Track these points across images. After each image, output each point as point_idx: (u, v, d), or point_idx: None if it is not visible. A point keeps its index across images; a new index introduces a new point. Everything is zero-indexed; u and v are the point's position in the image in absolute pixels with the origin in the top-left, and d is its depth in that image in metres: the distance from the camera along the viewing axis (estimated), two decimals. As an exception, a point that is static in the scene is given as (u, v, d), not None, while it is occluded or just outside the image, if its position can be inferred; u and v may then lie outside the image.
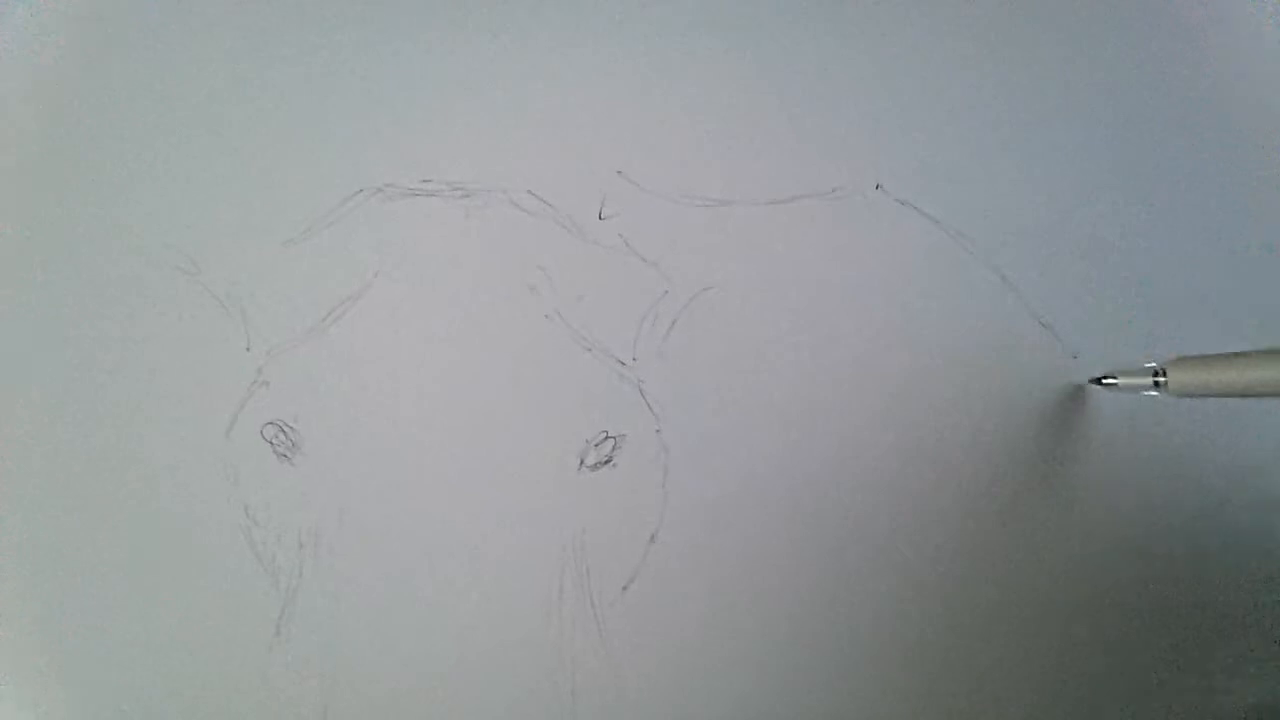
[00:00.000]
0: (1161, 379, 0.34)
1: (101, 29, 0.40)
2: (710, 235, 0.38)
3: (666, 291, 0.38)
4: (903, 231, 0.38)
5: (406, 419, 0.38)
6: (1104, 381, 0.37)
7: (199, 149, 0.39)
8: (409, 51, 0.39)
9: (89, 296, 0.38)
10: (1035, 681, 0.37)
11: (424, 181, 0.39)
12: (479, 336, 0.38)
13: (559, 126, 0.39)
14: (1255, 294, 0.38)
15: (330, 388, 0.38)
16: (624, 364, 0.38)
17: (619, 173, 0.39)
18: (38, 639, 0.38)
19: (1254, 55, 0.39)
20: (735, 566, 0.37)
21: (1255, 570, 0.38)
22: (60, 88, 0.39)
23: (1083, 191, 0.39)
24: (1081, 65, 0.39)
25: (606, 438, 0.37)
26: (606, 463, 0.37)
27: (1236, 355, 0.33)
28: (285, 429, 0.38)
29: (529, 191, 0.39)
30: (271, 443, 0.38)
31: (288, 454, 0.37)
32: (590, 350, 0.38)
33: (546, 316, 0.38)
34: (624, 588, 0.37)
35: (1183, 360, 0.34)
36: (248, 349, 0.38)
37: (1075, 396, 0.38)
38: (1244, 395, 0.32)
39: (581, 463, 0.37)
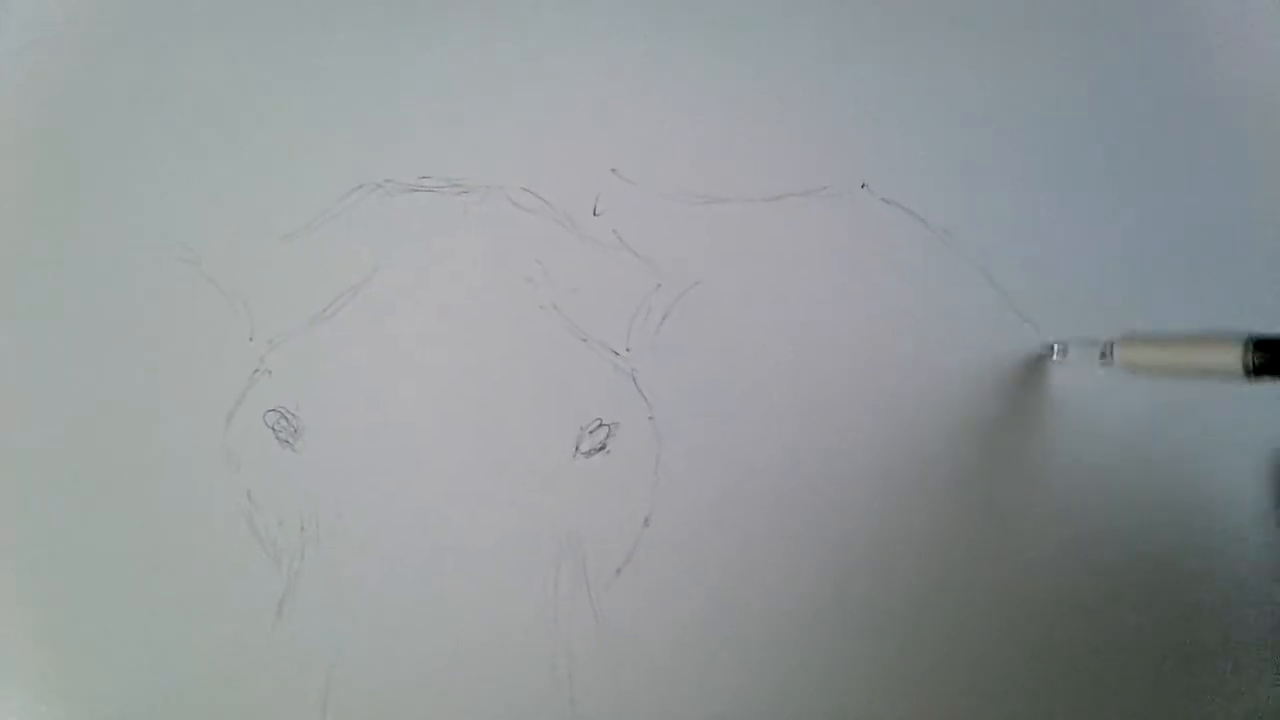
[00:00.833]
0: (1108, 356, 0.36)
1: (104, 25, 0.41)
2: (700, 231, 0.40)
3: (659, 285, 0.39)
4: (886, 228, 0.40)
5: (406, 407, 0.39)
6: (1054, 352, 0.38)
7: (203, 145, 0.40)
8: (410, 53, 0.40)
9: (107, 288, 0.39)
10: (1020, 667, 0.38)
11: (423, 178, 0.40)
12: (476, 327, 0.39)
13: (555, 126, 0.40)
14: (1238, 288, 0.40)
15: (331, 376, 0.39)
16: (618, 354, 0.39)
17: (613, 171, 0.40)
18: (43, 621, 0.38)
19: (1238, 49, 0.41)
20: (725, 548, 0.38)
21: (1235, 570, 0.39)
22: (63, 83, 0.40)
23: (1065, 188, 0.40)
24: (1064, 64, 0.41)
25: (600, 425, 0.39)
26: (601, 449, 0.39)
27: (1185, 336, 0.34)
28: (287, 416, 0.38)
29: (525, 189, 0.40)
30: (274, 429, 0.38)
31: (289, 440, 0.38)
32: (585, 341, 0.39)
33: (542, 308, 0.39)
34: (618, 570, 0.38)
35: (1132, 338, 0.35)
36: (250, 339, 0.39)
37: (1038, 369, 0.39)
38: (1190, 375, 0.34)
39: (576, 449, 0.39)
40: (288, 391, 0.39)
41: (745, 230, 0.40)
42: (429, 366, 0.39)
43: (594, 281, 0.39)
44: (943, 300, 0.40)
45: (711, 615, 0.38)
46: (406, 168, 0.40)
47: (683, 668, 0.38)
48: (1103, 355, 0.36)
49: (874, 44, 0.41)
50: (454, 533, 0.38)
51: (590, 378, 0.39)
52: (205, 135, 0.40)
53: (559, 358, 0.39)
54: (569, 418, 0.39)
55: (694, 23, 0.41)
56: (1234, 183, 0.41)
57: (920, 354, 0.39)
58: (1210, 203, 0.41)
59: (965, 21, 0.41)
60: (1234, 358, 0.31)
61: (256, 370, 0.39)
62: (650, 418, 0.39)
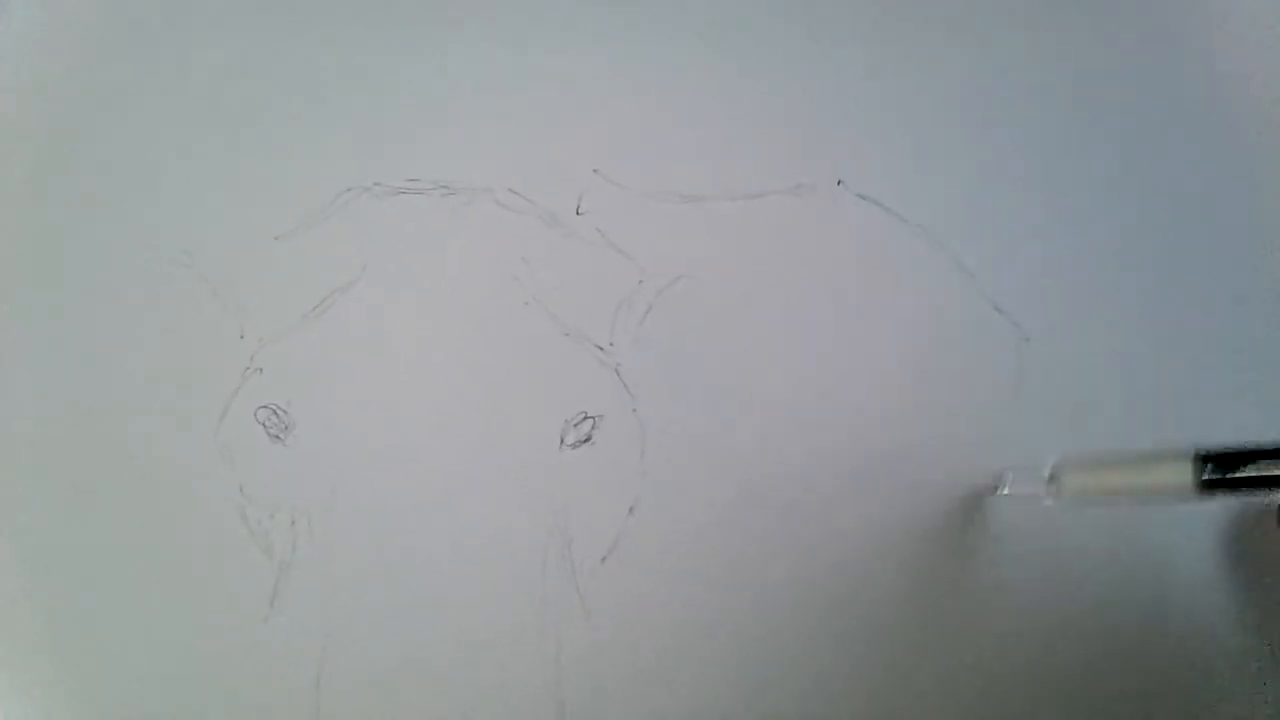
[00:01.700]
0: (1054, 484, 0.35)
1: (98, 29, 0.42)
2: (682, 229, 0.41)
3: (641, 281, 0.40)
4: (862, 224, 0.41)
5: (395, 402, 0.39)
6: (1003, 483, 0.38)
7: (194, 147, 0.41)
8: (397, 59, 0.42)
9: (102, 287, 0.40)
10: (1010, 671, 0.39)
11: (411, 181, 0.41)
12: (463, 324, 0.40)
13: (538, 128, 0.41)
14: (1221, 281, 0.41)
15: (322, 373, 0.39)
16: (602, 348, 0.40)
17: (595, 171, 0.41)
18: (35, 614, 0.39)
19: (1225, 46, 0.42)
20: (708, 536, 0.39)
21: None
22: (55, 84, 0.41)
23: (1044, 183, 0.41)
24: (1041, 60, 0.42)
25: (585, 418, 0.39)
26: (586, 441, 0.39)
27: (1133, 455, 0.33)
28: (278, 412, 0.39)
29: (510, 189, 0.41)
30: (264, 425, 0.39)
31: (280, 435, 0.39)
32: (569, 335, 0.40)
33: (527, 305, 0.40)
34: (603, 559, 0.39)
35: (1077, 462, 0.34)
36: (241, 337, 0.40)
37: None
38: (1139, 496, 0.33)
39: (562, 441, 0.39)
40: (279, 388, 0.39)
41: (725, 227, 0.41)
42: (417, 363, 0.40)
43: (578, 277, 0.40)
44: (921, 295, 0.41)
45: (695, 601, 0.39)
46: (395, 171, 0.41)
47: (666, 650, 0.39)
48: (1050, 481, 0.35)
49: (852, 42, 0.42)
50: (443, 524, 0.39)
51: (575, 372, 0.40)
52: (200, 140, 0.41)
53: (544, 353, 0.40)
54: (555, 411, 0.39)
55: (673, 24, 0.42)
56: (1215, 176, 0.41)
57: (898, 347, 0.40)
58: (1193, 197, 0.41)
59: (944, 19, 0.42)
60: (1183, 476, 0.31)
61: (248, 368, 0.40)
62: (634, 410, 0.40)
